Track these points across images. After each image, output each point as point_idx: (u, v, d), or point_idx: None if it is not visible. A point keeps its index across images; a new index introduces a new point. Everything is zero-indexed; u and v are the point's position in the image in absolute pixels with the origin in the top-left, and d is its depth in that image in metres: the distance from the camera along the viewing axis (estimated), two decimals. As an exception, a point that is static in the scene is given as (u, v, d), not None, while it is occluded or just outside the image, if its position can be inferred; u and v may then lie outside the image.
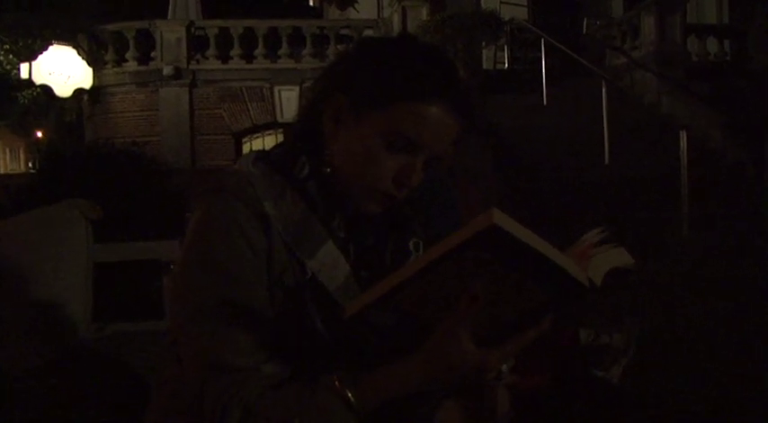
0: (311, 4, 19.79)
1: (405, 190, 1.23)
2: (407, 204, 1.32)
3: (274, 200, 1.21)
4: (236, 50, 13.72)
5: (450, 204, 2.46)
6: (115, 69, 13.78)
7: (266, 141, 13.98)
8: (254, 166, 1.25)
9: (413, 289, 1.04)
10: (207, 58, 13.77)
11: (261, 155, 1.29)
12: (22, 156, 26.04)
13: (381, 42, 1.28)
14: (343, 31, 14.06)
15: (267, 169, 1.24)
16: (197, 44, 13.80)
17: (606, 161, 8.49)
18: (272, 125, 13.90)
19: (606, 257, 1.13)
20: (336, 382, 1.10)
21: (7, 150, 26.57)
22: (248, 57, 13.79)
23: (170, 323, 1.26)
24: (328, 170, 1.24)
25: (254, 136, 14.12)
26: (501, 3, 14.90)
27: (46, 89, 13.03)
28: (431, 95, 1.18)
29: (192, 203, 1.24)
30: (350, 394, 1.09)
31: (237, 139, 13.99)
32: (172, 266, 3.09)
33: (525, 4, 15.93)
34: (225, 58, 13.78)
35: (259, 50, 13.79)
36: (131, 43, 13.71)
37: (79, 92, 13.27)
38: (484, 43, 11.79)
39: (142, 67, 13.72)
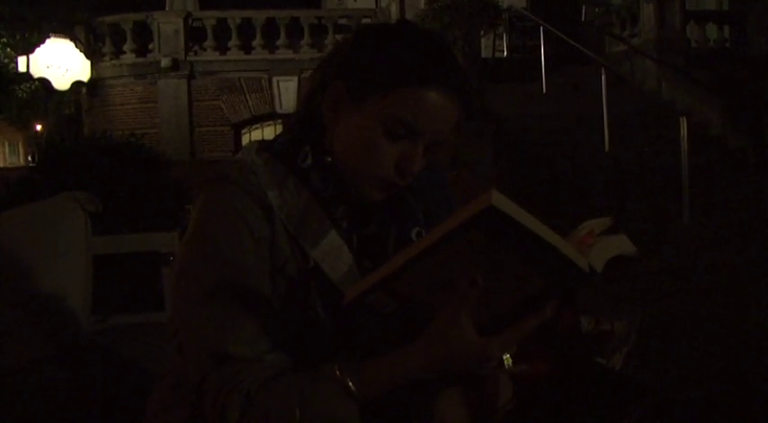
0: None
1: (407, 177, 1.22)
2: (410, 192, 1.31)
3: (278, 189, 1.20)
4: (234, 41, 13.69)
5: (447, 198, 2.46)
6: (113, 62, 13.76)
7: (265, 132, 13.96)
8: (257, 156, 1.24)
9: (412, 274, 1.04)
10: (205, 50, 13.75)
11: (263, 144, 1.28)
12: (21, 149, 26.03)
13: (379, 29, 1.27)
14: (341, 21, 14.03)
15: (270, 159, 1.24)
16: (195, 35, 13.78)
17: (606, 148, 8.48)
18: (271, 116, 13.88)
19: (608, 245, 1.12)
20: (337, 371, 1.10)
21: (6, 144, 26.57)
22: (246, 47, 13.77)
23: (171, 313, 1.26)
24: (329, 159, 1.23)
25: (254, 127, 14.11)
26: (499, -10, 14.84)
27: (44, 82, 13.01)
28: (429, 81, 1.17)
29: (194, 192, 1.23)
30: (350, 383, 1.09)
31: (236, 131, 13.98)
32: (171, 258, 3.09)
33: (523, -9, 15.87)
34: (223, 49, 13.75)
35: (257, 41, 13.76)
36: (129, 35, 13.69)
37: (77, 85, 13.25)
38: (482, 31, 11.74)
39: (140, 59, 13.70)
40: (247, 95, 13.77)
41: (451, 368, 1.08)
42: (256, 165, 1.22)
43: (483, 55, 12.50)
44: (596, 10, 13.97)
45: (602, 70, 8.79)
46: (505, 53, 13.52)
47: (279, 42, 13.72)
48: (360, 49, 1.22)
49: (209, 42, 13.70)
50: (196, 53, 13.74)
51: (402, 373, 1.09)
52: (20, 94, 15.13)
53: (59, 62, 12.65)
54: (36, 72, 12.73)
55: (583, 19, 14.07)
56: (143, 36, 13.76)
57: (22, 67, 13.07)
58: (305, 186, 1.23)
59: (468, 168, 3.81)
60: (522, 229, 0.97)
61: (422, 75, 1.17)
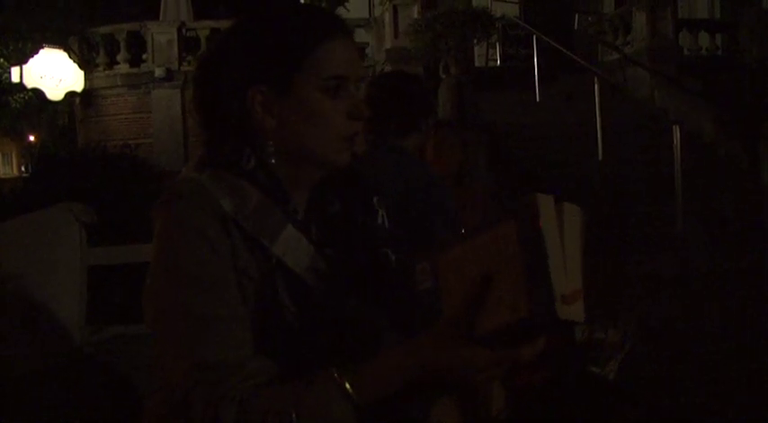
0: (302, 3, 19.82)
1: (362, 121, 1.29)
2: (356, 164, 1.37)
3: (230, 196, 1.22)
4: (227, 51, 13.70)
5: (445, 208, 2.47)
6: (106, 72, 13.77)
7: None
8: (200, 171, 1.26)
9: (459, 252, 1.10)
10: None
11: (204, 159, 1.30)
12: (14, 160, 25.95)
13: (248, 20, 1.32)
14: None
15: (214, 172, 1.26)
16: (188, 45, 13.78)
17: (600, 157, 8.49)
18: (264, 126, 13.87)
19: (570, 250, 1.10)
20: (335, 373, 1.11)
21: (0, 154, 26.52)
22: (240, 57, 13.77)
23: (150, 331, 1.25)
24: (273, 161, 1.26)
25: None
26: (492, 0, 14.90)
27: (37, 93, 13.01)
28: (329, 34, 1.27)
29: (154, 215, 1.24)
30: (348, 384, 1.10)
31: (231, 140, 13.97)
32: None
33: (516, 0, 15.93)
34: (217, 59, 13.75)
35: (251, 51, 13.76)
36: (122, 45, 13.70)
37: (71, 95, 13.25)
38: (475, 41, 11.77)
39: (134, 70, 13.71)
40: (241, 105, 13.77)
41: (443, 370, 1.09)
42: (203, 179, 1.24)
43: (476, 64, 12.55)
44: (589, 19, 14.02)
45: (596, 79, 8.82)
46: (499, 62, 13.58)
47: (273, 52, 13.72)
48: (252, 47, 1.27)
49: (202, 52, 13.69)
50: (190, 63, 13.72)
51: (397, 372, 1.11)
52: (13, 105, 15.09)
53: (53, 72, 12.65)
54: (29, 82, 12.73)
55: (575, 28, 14.11)
56: (137, 46, 13.78)
57: (15, 78, 13.06)
58: (254, 187, 1.25)
59: (475, 181, 3.82)
60: (539, 238, 1.01)
61: (322, 31, 1.27)
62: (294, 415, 1.08)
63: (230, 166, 1.26)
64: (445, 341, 1.08)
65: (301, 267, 1.23)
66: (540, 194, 1.03)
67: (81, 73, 13.21)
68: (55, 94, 12.91)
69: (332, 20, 1.31)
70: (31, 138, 19.71)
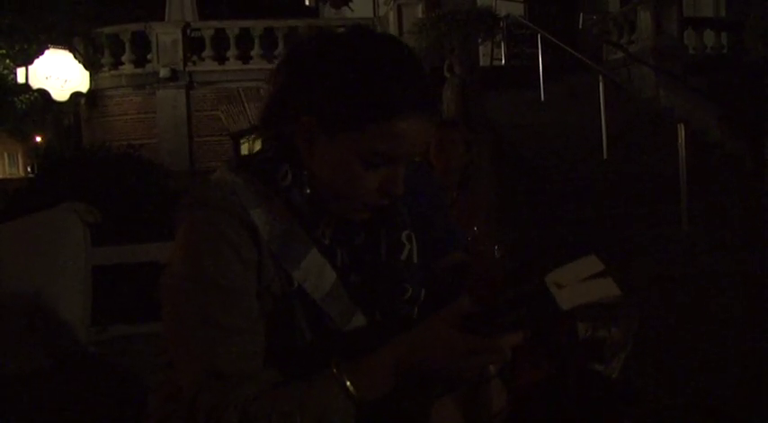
0: (307, 3, 19.82)
1: (392, 198, 1.22)
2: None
3: (260, 208, 1.20)
4: (232, 51, 13.73)
5: (440, 204, 2.47)
6: (112, 72, 13.79)
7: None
8: (235, 175, 1.23)
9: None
10: (203, 60, 13.77)
11: (242, 162, 1.27)
12: (20, 160, 26.09)
13: (337, 48, 1.21)
14: (340, 31, 14.02)
15: (249, 178, 1.23)
16: (193, 46, 13.81)
17: (605, 156, 8.50)
18: (269, 126, 13.86)
19: (586, 289, 1.09)
20: (334, 369, 1.11)
21: (6, 155, 26.63)
22: (245, 57, 13.80)
23: (163, 331, 1.25)
24: (308, 191, 1.22)
25: (252, 137, 14.12)
26: (497, -1, 14.90)
27: (43, 93, 13.02)
28: (401, 111, 1.15)
29: (177, 216, 1.22)
30: (348, 381, 1.10)
31: (235, 141, 14.00)
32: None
33: None
34: (221, 59, 13.78)
35: (255, 51, 13.79)
36: (127, 46, 13.73)
37: (76, 95, 13.26)
38: (480, 40, 11.80)
39: (138, 70, 13.73)
40: (246, 105, 13.79)
41: (434, 359, 1.10)
42: (236, 184, 1.21)
43: (481, 63, 12.54)
44: (594, 18, 14.01)
45: (600, 78, 8.81)
46: (503, 61, 13.58)
47: (277, 52, 13.72)
48: (323, 78, 1.18)
49: (207, 52, 13.73)
50: (195, 63, 13.77)
51: (392, 364, 1.11)
52: (19, 106, 15.12)
53: (58, 73, 12.66)
54: (35, 83, 12.74)
55: (580, 27, 14.11)
56: (142, 47, 13.80)
57: (21, 79, 13.08)
58: (285, 205, 1.22)
59: (472, 189, 3.82)
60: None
61: (395, 106, 1.15)
62: (298, 418, 1.09)
63: (267, 175, 1.23)
64: (432, 325, 1.11)
65: (320, 295, 1.21)
66: (595, 257, 1.04)
67: (86, 73, 13.22)
68: (60, 94, 12.92)
69: (416, 92, 1.16)
70: (37, 138, 19.81)
